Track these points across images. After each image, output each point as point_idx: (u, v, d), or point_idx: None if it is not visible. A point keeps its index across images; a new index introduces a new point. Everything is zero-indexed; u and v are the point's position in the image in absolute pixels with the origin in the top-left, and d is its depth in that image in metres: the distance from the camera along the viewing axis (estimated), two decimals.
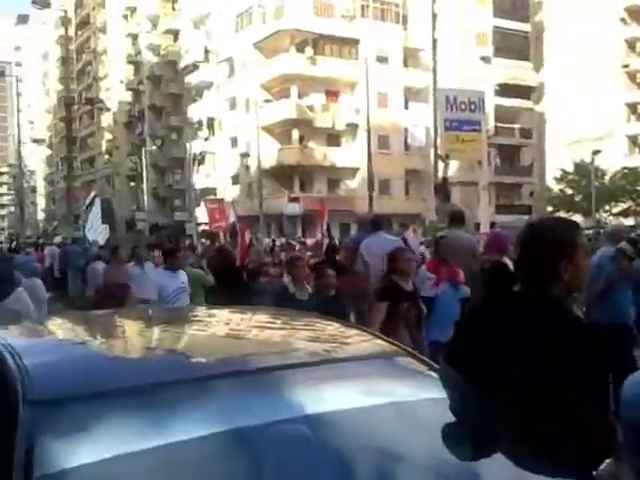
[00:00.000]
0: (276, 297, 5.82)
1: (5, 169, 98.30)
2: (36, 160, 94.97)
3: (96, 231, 12.63)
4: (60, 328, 2.49)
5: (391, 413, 1.72)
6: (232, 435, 1.51)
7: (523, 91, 46.48)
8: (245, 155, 44.76)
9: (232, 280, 8.56)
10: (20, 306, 4.73)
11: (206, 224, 20.10)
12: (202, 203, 19.57)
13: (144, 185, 44.74)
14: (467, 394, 1.80)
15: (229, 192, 48.33)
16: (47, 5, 30.00)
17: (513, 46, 46.18)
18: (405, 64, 45.13)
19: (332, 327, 2.37)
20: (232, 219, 15.32)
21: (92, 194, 16.58)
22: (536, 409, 1.73)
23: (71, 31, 70.74)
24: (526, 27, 47.10)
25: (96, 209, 12.96)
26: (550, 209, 41.42)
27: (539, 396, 1.72)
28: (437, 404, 1.73)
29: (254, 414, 1.57)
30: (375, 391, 1.78)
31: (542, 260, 1.89)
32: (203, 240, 24.17)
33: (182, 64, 54.52)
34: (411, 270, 5.37)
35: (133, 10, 62.26)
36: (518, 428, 1.72)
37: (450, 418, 1.71)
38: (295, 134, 43.10)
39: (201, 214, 50.69)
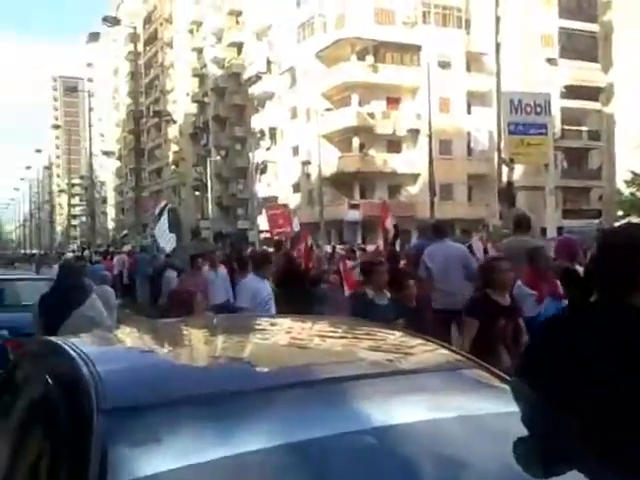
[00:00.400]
0: (355, 302, 5.69)
1: (77, 181, 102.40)
2: (106, 172, 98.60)
3: (164, 239, 12.90)
4: (132, 336, 2.54)
5: (461, 427, 1.67)
6: (300, 446, 1.50)
7: (591, 92, 44.97)
8: (306, 163, 45.11)
9: (295, 286, 8.63)
10: (94, 313, 4.88)
11: (267, 231, 19.54)
12: (263, 211, 19.24)
13: (209, 194, 45.72)
14: (540, 407, 1.75)
15: (290, 200, 48.78)
16: (117, 23, 31.11)
17: (580, 47, 44.78)
18: (468, 68, 44.53)
19: (395, 336, 2.35)
20: (297, 226, 15.19)
21: (163, 203, 16.91)
22: (615, 418, 1.66)
23: (140, 47, 73.22)
24: (593, 27, 45.61)
25: (164, 218, 13.24)
26: (620, 213, 39.84)
27: (618, 405, 1.66)
28: (508, 418, 1.68)
29: (322, 425, 1.56)
30: (445, 404, 1.75)
31: (620, 268, 1.82)
32: (265, 247, 24.43)
33: (245, 76, 55.54)
34: (509, 282, 4.86)
35: (199, 25, 63.91)
36: (595, 438, 1.66)
37: (522, 432, 1.66)
38: (355, 141, 43.16)
39: (263, 222, 51.57)
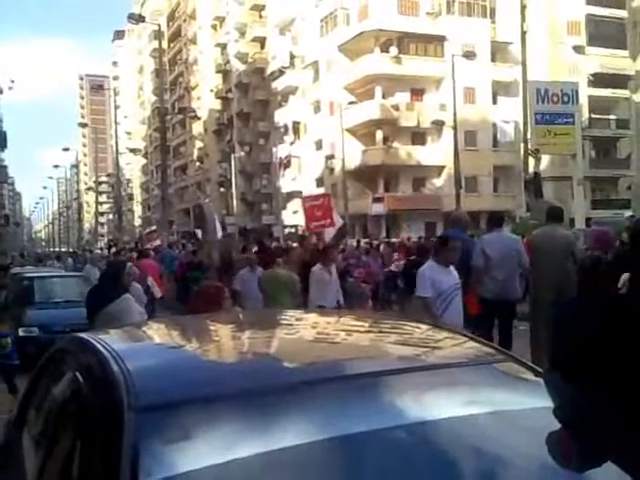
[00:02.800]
0: None
1: (104, 178, 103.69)
2: (133, 169, 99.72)
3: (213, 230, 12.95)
4: (161, 332, 2.54)
5: (496, 422, 1.65)
6: (334, 443, 1.48)
7: (619, 80, 44.12)
8: (330, 157, 45.06)
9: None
10: (123, 309, 5.00)
11: (303, 226, 17.98)
12: (289, 204, 18.13)
13: (233, 190, 45.91)
14: (576, 401, 1.71)
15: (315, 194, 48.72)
16: (141, 20, 31.33)
17: (608, 34, 43.94)
18: (493, 58, 44.01)
19: (423, 330, 2.32)
20: (339, 221, 14.13)
21: (204, 203, 16.86)
22: None
23: (164, 44, 73.83)
24: (622, 13, 44.70)
25: (209, 214, 13.21)
26: None
27: None
28: (543, 413, 1.65)
29: (356, 421, 1.54)
30: (480, 399, 1.71)
31: None
32: (289, 242, 24.42)
33: (269, 70, 55.61)
34: None
35: (222, 20, 64.13)
36: (634, 429, 1.63)
37: (557, 426, 1.62)
38: (379, 134, 42.97)
39: (287, 216, 51.69)
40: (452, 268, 5.97)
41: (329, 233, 12.93)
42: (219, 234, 12.54)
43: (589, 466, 1.58)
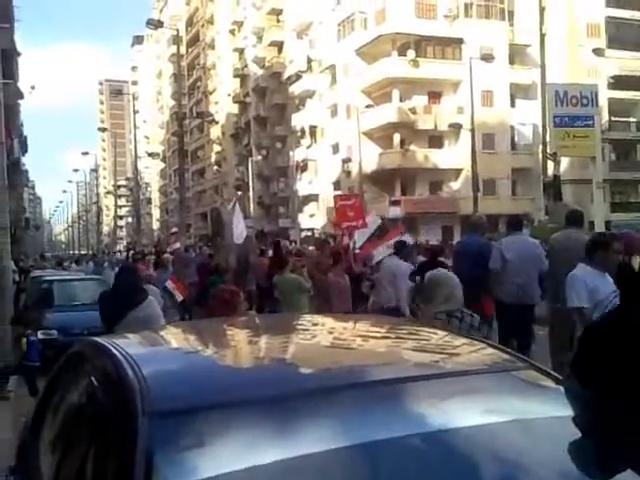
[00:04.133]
0: None
1: (123, 182, 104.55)
2: (151, 173, 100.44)
3: (236, 233, 12.91)
4: (177, 337, 2.54)
5: (516, 431, 1.62)
6: (352, 450, 1.46)
7: (639, 83, 43.65)
8: (346, 161, 45.05)
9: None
10: (149, 314, 4.94)
11: (335, 225, 17.24)
12: (307, 205, 17.60)
13: (250, 194, 46.06)
14: (595, 408, 1.68)
15: (331, 198, 48.77)
16: (160, 25, 31.58)
17: (628, 36, 43.48)
18: (511, 61, 43.75)
19: (440, 336, 2.30)
20: (375, 222, 13.67)
21: (234, 199, 16.80)
22: None
23: (182, 49, 74.48)
24: None
25: (237, 211, 13.16)
26: None
27: None
28: (564, 421, 1.61)
29: (375, 428, 1.52)
30: (498, 407, 1.69)
31: None
32: (305, 246, 24.38)
33: (286, 75, 55.74)
34: None
35: (240, 25, 64.45)
36: None
37: (577, 435, 1.59)
38: (396, 138, 42.86)
39: (304, 220, 51.72)
40: (607, 274, 4.94)
41: (361, 235, 12.66)
42: (244, 235, 12.54)
43: (609, 475, 1.55)
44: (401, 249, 8.76)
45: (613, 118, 42.09)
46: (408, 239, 11.72)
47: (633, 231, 8.36)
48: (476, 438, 1.56)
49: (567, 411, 1.67)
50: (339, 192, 47.40)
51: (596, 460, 1.55)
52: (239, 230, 12.49)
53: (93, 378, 1.89)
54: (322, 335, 2.42)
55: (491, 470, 1.53)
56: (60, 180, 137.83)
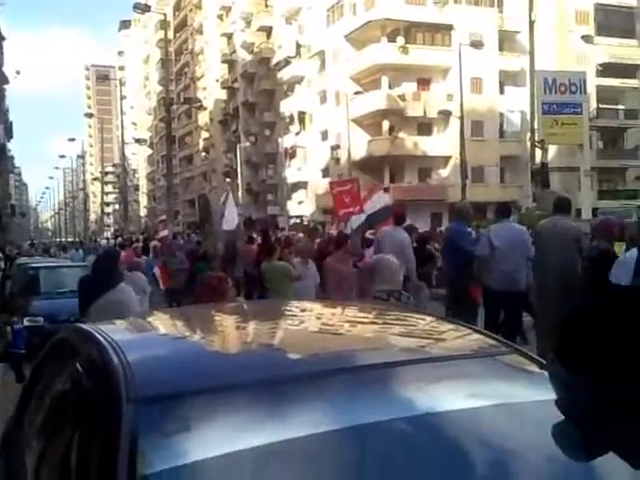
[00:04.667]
0: None
1: (110, 169, 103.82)
2: (138, 159, 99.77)
3: (227, 220, 12.88)
4: (162, 323, 2.53)
5: (500, 414, 1.63)
6: (338, 434, 1.46)
7: (628, 70, 43.79)
8: (335, 148, 44.98)
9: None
10: (123, 297, 4.95)
11: (333, 212, 16.23)
12: (329, 187, 16.24)
13: (239, 180, 45.91)
14: (580, 392, 1.69)
15: (319, 185, 48.73)
16: (147, 9, 31.27)
17: (616, 23, 43.59)
18: (500, 48, 43.72)
19: (427, 321, 2.30)
20: (386, 199, 12.89)
21: (226, 190, 16.67)
22: None
23: (170, 34, 73.73)
24: (631, 3, 44.29)
25: (229, 203, 13.10)
26: None
27: None
28: (548, 405, 1.63)
29: (360, 412, 1.53)
30: (484, 391, 1.70)
31: None
32: (294, 233, 24.33)
33: (274, 60, 55.41)
34: None
35: (228, 10, 63.89)
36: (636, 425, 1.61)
37: (561, 418, 1.61)
38: (385, 125, 42.81)
39: (293, 207, 51.65)
40: None
41: (355, 221, 12.13)
42: (235, 223, 12.48)
43: (593, 458, 1.57)
44: (402, 221, 8.89)
45: (601, 105, 42.26)
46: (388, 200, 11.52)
47: (612, 217, 8.39)
48: (461, 422, 1.57)
49: (551, 395, 1.68)
50: (328, 179, 47.62)
51: (580, 443, 1.57)
52: (231, 217, 12.46)
53: (78, 364, 1.88)
54: (310, 321, 2.43)
55: (476, 453, 1.54)
56: (46, 166, 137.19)
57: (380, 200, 12.43)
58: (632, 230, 6.36)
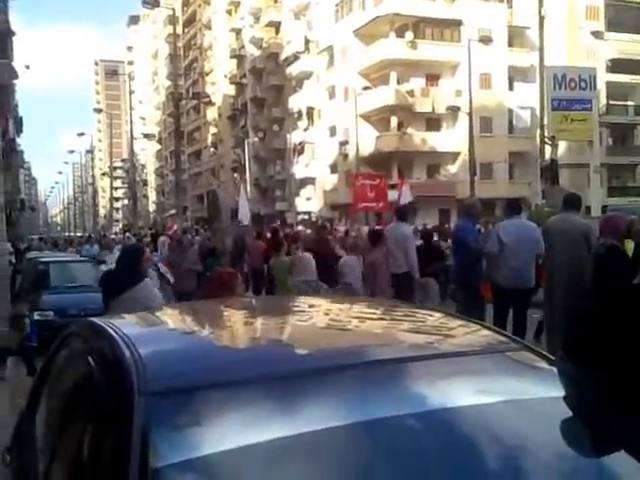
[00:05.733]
0: None
1: (119, 164, 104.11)
2: (147, 155, 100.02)
3: (243, 215, 12.90)
4: (174, 318, 2.54)
5: (509, 411, 1.63)
6: (348, 429, 1.47)
7: (638, 66, 43.45)
8: (344, 143, 44.89)
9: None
10: (145, 295, 4.97)
11: (352, 205, 15.54)
12: (352, 178, 15.71)
13: (247, 176, 45.92)
14: (588, 389, 1.70)
15: (327, 181, 48.71)
16: (156, 4, 31.20)
17: (627, 19, 43.25)
18: (510, 43, 43.50)
19: (436, 317, 2.31)
20: (407, 197, 12.34)
21: (237, 182, 16.90)
22: None
23: (179, 29, 73.71)
24: None
25: (242, 195, 13.09)
26: None
27: None
28: (557, 401, 1.63)
29: (370, 408, 1.54)
30: (493, 387, 1.70)
31: None
32: (301, 228, 24.33)
33: (283, 56, 55.34)
34: None
35: (237, 5, 63.85)
36: None
37: (570, 415, 1.61)
38: (394, 120, 42.70)
39: (301, 203, 51.61)
40: None
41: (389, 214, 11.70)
42: (248, 216, 12.51)
43: (601, 453, 1.57)
44: (404, 217, 8.92)
45: (611, 102, 42.01)
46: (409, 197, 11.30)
47: (620, 214, 8.35)
48: (470, 418, 1.58)
49: (560, 392, 1.69)
50: (336, 175, 47.54)
51: (588, 440, 1.57)
52: (245, 212, 12.49)
53: (89, 358, 1.90)
54: (318, 316, 2.43)
55: (484, 449, 1.55)
56: (55, 161, 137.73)
57: (407, 195, 12.29)
58: (637, 226, 6.33)
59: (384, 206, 11.80)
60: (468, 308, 6.84)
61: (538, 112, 23.11)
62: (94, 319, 2.23)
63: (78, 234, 57.44)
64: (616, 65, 42.25)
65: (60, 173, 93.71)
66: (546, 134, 20.67)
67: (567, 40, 40.99)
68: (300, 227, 25.74)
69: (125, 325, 2.10)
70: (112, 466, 1.42)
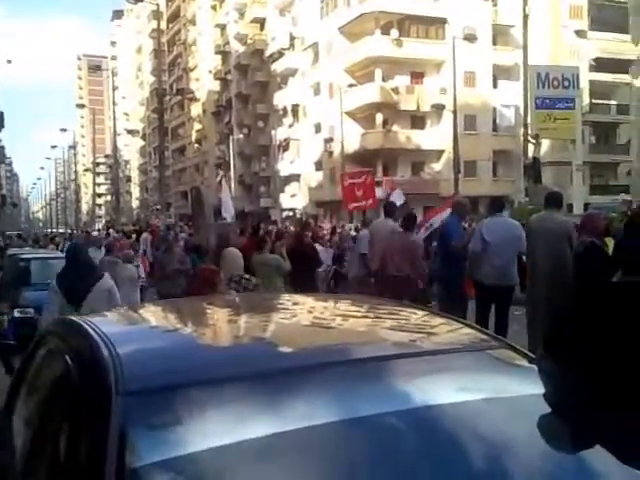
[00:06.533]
0: None
1: (102, 160, 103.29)
2: (130, 150, 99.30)
3: (226, 211, 12.71)
4: (153, 316, 2.52)
5: (490, 408, 1.64)
6: (326, 428, 1.47)
7: (620, 65, 43.86)
8: (329, 140, 44.89)
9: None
10: (110, 287, 5.14)
11: (349, 206, 15.13)
12: (340, 178, 15.24)
13: (231, 173, 45.79)
14: (567, 385, 1.71)
15: (312, 178, 48.70)
16: None
17: (610, 18, 43.59)
18: (494, 42, 43.72)
19: (419, 315, 2.31)
20: (399, 198, 12.00)
21: (219, 176, 16.68)
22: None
23: (163, 24, 73.14)
24: None
25: (225, 191, 12.94)
26: None
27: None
28: (537, 399, 1.64)
29: (350, 406, 1.53)
30: (474, 385, 1.71)
31: None
32: (287, 225, 24.29)
33: (268, 52, 55.19)
34: None
35: (221, 1, 63.55)
36: (625, 421, 1.63)
37: (550, 412, 1.62)
38: (379, 118, 42.76)
39: (285, 200, 51.57)
40: None
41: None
42: (232, 213, 12.41)
43: (581, 450, 1.59)
44: (391, 213, 9.01)
45: (594, 100, 42.38)
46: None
47: (598, 211, 8.43)
48: (451, 415, 1.58)
49: (540, 389, 1.70)
50: (321, 172, 47.52)
51: (568, 436, 1.59)
52: (229, 208, 12.38)
53: (67, 357, 1.87)
54: (301, 314, 2.43)
55: (465, 446, 1.55)
56: (38, 157, 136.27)
57: (399, 196, 12.15)
58: (617, 224, 6.39)
59: (373, 203, 11.64)
60: (450, 305, 6.88)
61: (522, 110, 23.27)
62: (73, 317, 2.20)
63: (60, 230, 56.93)
64: (599, 64, 42.64)
65: (42, 169, 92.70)
66: (530, 132, 20.83)
67: (551, 39, 41.27)
68: (279, 225, 25.70)
69: (104, 323, 2.08)
70: (89, 466, 1.40)
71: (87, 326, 1.95)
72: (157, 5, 33.31)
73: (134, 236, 18.96)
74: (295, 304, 2.63)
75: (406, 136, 42.96)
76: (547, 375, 1.78)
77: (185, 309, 2.57)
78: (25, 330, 7.84)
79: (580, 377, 1.73)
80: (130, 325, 2.33)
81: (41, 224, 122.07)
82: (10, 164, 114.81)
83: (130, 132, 70.45)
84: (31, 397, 2.27)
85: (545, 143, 26.79)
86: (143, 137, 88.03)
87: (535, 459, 1.56)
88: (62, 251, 18.84)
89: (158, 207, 34.13)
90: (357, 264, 9.81)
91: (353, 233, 16.28)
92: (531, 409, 1.63)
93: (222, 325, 2.33)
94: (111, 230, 26.64)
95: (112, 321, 2.34)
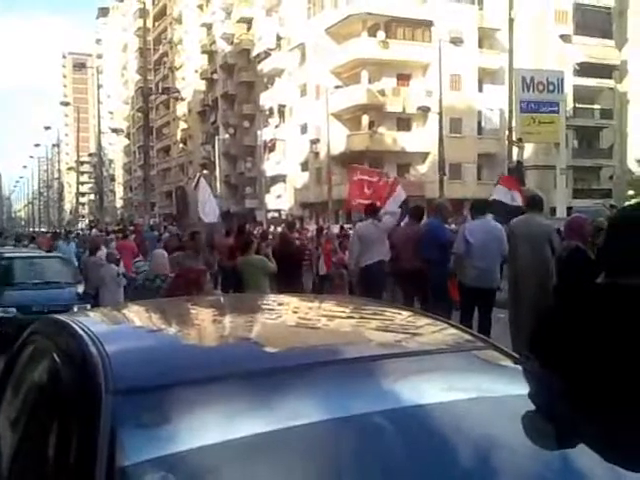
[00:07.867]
0: None
1: (86, 158, 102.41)
2: (115, 149, 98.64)
3: (206, 209, 12.13)
4: (141, 315, 2.52)
5: (475, 408, 1.66)
6: (313, 428, 1.47)
7: (604, 70, 44.37)
8: (315, 141, 44.93)
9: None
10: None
11: (346, 202, 14.88)
12: (349, 172, 14.57)
13: (217, 173, 45.63)
14: (551, 385, 1.73)
15: (298, 179, 48.71)
16: None
17: (594, 23, 44.07)
18: (480, 45, 44.00)
19: (404, 316, 2.33)
20: (402, 195, 11.64)
21: (197, 175, 15.80)
22: (621, 396, 1.65)
23: (149, 22, 72.75)
24: (609, 3, 44.85)
25: (202, 188, 12.28)
26: (631, 193, 39.51)
27: (623, 385, 1.64)
28: (523, 399, 1.66)
29: (335, 407, 1.54)
30: (459, 385, 1.72)
31: (636, 250, 1.77)
32: (272, 226, 24.25)
33: (255, 52, 55.09)
34: None
35: (208, 0, 63.28)
36: (608, 420, 1.65)
37: (534, 412, 1.64)
38: (365, 119, 42.86)
39: (271, 201, 51.50)
40: None
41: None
42: (216, 214, 12.24)
43: (566, 450, 1.60)
44: (375, 214, 9.11)
45: (578, 105, 42.78)
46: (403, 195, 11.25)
47: (583, 215, 8.51)
48: (436, 415, 1.60)
49: (525, 389, 1.72)
50: (307, 173, 47.52)
51: (552, 436, 1.60)
52: (208, 208, 12.10)
53: (55, 356, 1.87)
54: (288, 315, 2.44)
55: (451, 446, 1.56)
56: (21, 155, 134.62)
57: (400, 196, 11.89)
58: (601, 226, 6.45)
59: (381, 202, 11.28)
60: (435, 305, 6.93)
61: (507, 114, 23.45)
62: (60, 316, 2.19)
63: (43, 229, 56.36)
64: (583, 69, 43.04)
65: (25, 167, 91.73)
66: (514, 136, 20.99)
67: (536, 43, 41.58)
68: (264, 226, 25.66)
69: (91, 322, 2.07)
70: (79, 465, 1.40)
71: (75, 324, 1.94)
72: (143, 3, 33.20)
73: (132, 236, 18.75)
74: (281, 304, 2.64)
75: (392, 138, 43.10)
76: (532, 375, 1.80)
77: (173, 309, 2.57)
78: (7, 329, 7.78)
79: (564, 378, 1.76)
80: (119, 324, 2.33)
81: (23, 223, 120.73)
82: None
83: (115, 131, 69.87)
84: (17, 397, 2.25)
85: (529, 147, 27.03)
86: (127, 136, 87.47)
87: (520, 459, 1.58)
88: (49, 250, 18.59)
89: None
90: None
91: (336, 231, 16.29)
92: (516, 409, 1.65)
93: (211, 325, 2.33)
94: (94, 230, 26.44)
95: (100, 320, 2.33)
